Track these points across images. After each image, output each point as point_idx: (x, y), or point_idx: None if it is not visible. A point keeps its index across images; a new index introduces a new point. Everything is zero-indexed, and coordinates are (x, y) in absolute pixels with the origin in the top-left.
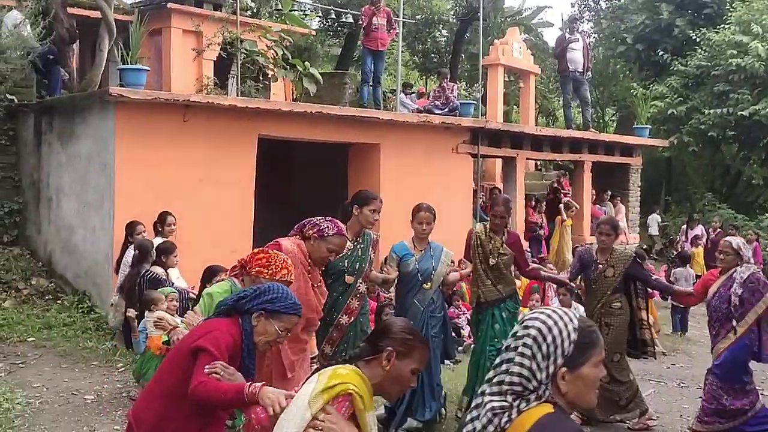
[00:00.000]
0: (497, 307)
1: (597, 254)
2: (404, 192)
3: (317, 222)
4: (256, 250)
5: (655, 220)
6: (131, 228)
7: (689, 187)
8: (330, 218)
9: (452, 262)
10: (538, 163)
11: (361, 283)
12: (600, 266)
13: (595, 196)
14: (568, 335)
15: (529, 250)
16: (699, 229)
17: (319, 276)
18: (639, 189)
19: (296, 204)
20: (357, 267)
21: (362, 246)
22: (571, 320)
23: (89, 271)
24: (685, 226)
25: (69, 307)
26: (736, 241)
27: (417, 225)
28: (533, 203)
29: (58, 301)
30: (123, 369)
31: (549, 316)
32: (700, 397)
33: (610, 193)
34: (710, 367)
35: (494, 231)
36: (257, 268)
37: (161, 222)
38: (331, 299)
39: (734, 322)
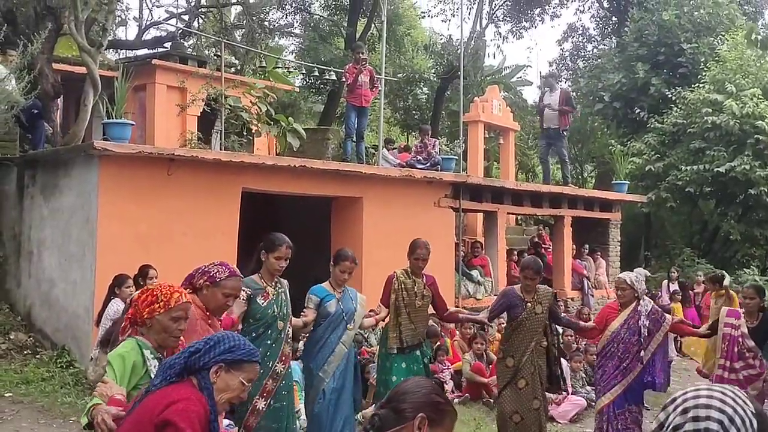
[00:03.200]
0: (418, 349)
1: (523, 293)
2: (387, 244)
3: (206, 269)
4: (135, 296)
5: (641, 274)
6: (119, 281)
7: (668, 243)
8: (219, 262)
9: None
10: (519, 218)
11: (289, 327)
12: (529, 304)
13: (575, 251)
14: (751, 424)
15: None
16: (677, 285)
17: (220, 327)
18: (619, 244)
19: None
20: (285, 311)
21: (282, 290)
22: (746, 403)
23: (69, 325)
24: (666, 281)
25: (48, 362)
26: (630, 276)
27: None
28: (516, 257)
29: (37, 356)
30: None
31: (723, 401)
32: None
33: (587, 247)
34: (621, 400)
35: (416, 274)
36: (147, 310)
37: (143, 276)
38: (265, 348)
39: (642, 353)
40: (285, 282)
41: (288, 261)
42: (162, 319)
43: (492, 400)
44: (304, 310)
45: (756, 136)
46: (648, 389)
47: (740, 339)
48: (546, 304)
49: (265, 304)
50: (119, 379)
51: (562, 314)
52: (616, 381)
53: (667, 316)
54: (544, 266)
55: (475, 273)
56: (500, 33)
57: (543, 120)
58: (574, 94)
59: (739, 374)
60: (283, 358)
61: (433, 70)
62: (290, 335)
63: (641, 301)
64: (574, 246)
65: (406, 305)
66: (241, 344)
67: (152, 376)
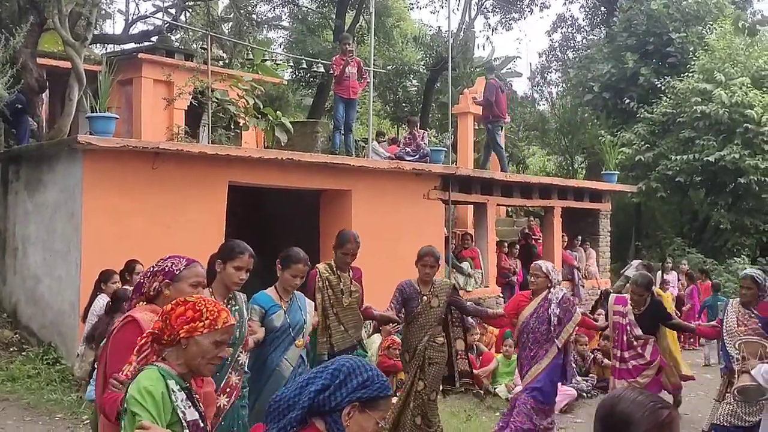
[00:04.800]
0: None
1: (419, 285)
2: (376, 237)
3: (156, 270)
4: (167, 308)
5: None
6: (105, 276)
7: (659, 233)
8: (166, 257)
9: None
10: (509, 209)
11: (241, 352)
12: (425, 297)
13: (567, 242)
14: None
15: (501, 295)
16: (672, 275)
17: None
18: (609, 234)
19: (269, 249)
20: (237, 334)
21: (237, 308)
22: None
23: (55, 322)
24: (660, 272)
25: (34, 359)
26: (546, 264)
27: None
28: (506, 248)
29: (23, 353)
30: (88, 421)
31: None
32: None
33: (580, 238)
34: (528, 388)
35: (341, 269)
36: (186, 327)
37: (129, 271)
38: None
39: (556, 341)
40: (242, 297)
41: (248, 272)
42: (203, 342)
43: (482, 392)
44: (249, 323)
45: (745, 124)
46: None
47: (628, 327)
48: (443, 296)
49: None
50: (159, 420)
51: (467, 303)
52: (525, 371)
53: (578, 309)
54: (534, 257)
55: (465, 265)
56: (489, 24)
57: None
58: (563, 85)
59: (628, 364)
60: (229, 389)
61: (422, 62)
62: (241, 361)
63: (552, 290)
64: (565, 236)
65: (332, 305)
66: (374, 376)
67: (180, 412)
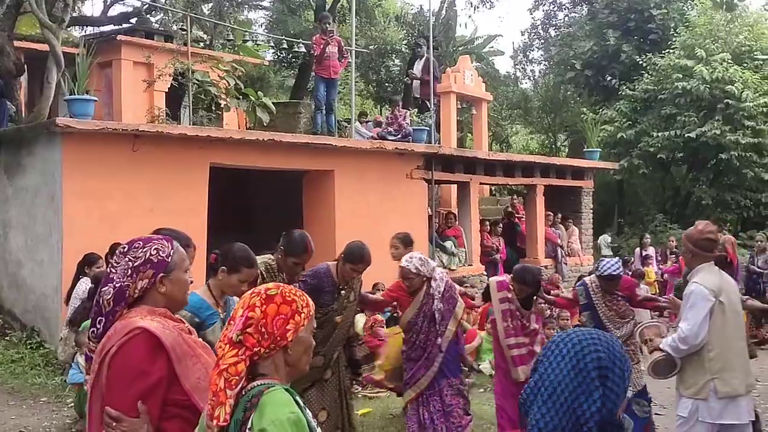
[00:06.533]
0: None
1: (338, 278)
2: (359, 217)
3: (137, 264)
4: (252, 314)
5: (605, 241)
6: (90, 260)
7: (641, 209)
8: (139, 240)
9: None
10: (493, 188)
11: None
12: (343, 291)
13: (551, 220)
14: None
15: (485, 273)
16: (651, 250)
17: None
18: (591, 211)
19: (254, 230)
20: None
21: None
22: None
23: (38, 306)
24: (638, 248)
25: (17, 344)
26: (411, 263)
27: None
28: (489, 227)
29: (6, 338)
30: (72, 404)
31: None
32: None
33: (562, 215)
34: (452, 373)
35: (282, 270)
36: (291, 326)
37: (113, 254)
38: None
39: (439, 340)
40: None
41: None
42: (305, 336)
43: (466, 369)
44: None
45: (726, 100)
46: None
47: (517, 312)
48: (358, 287)
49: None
50: None
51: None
52: (420, 374)
53: (460, 298)
54: (517, 234)
55: (449, 244)
56: (471, 2)
57: (413, 89)
58: (546, 62)
59: (521, 350)
60: None
61: (404, 42)
62: None
63: (432, 283)
64: (550, 214)
65: None
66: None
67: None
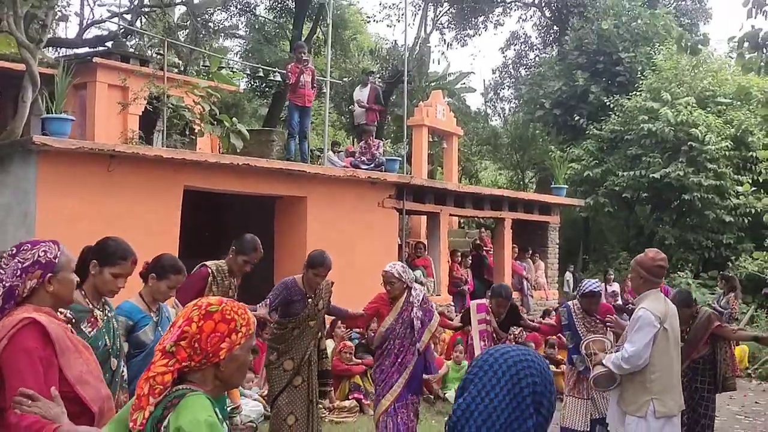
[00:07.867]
0: None
1: (305, 287)
2: (330, 244)
3: (26, 265)
4: (188, 329)
5: (567, 278)
6: None
7: (605, 246)
8: (20, 246)
9: None
10: (462, 221)
11: (124, 366)
12: (311, 300)
13: (517, 253)
14: None
15: (453, 304)
16: (615, 286)
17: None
18: (558, 246)
19: (226, 253)
20: (119, 344)
21: (112, 314)
22: None
23: None
24: (603, 284)
25: None
26: (395, 267)
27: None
28: (459, 258)
29: None
30: None
31: None
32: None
33: (530, 250)
34: (414, 391)
35: (233, 274)
36: (226, 343)
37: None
38: None
39: (417, 345)
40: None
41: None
42: (241, 354)
43: (432, 397)
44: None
45: (690, 143)
46: (426, 375)
47: (494, 335)
48: (327, 297)
49: (93, 333)
50: None
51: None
52: (394, 380)
53: (437, 313)
54: (485, 267)
55: (418, 273)
56: (445, 40)
57: (354, 117)
58: (516, 101)
59: None
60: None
61: (378, 75)
62: (125, 377)
63: (412, 291)
64: (515, 248)
65: None
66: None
67: None
